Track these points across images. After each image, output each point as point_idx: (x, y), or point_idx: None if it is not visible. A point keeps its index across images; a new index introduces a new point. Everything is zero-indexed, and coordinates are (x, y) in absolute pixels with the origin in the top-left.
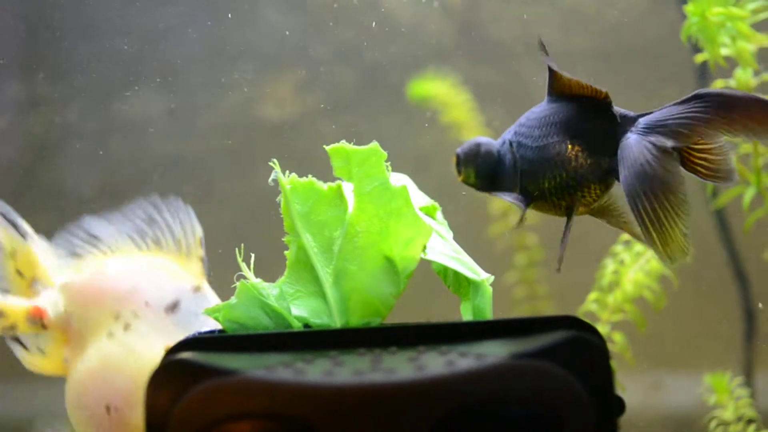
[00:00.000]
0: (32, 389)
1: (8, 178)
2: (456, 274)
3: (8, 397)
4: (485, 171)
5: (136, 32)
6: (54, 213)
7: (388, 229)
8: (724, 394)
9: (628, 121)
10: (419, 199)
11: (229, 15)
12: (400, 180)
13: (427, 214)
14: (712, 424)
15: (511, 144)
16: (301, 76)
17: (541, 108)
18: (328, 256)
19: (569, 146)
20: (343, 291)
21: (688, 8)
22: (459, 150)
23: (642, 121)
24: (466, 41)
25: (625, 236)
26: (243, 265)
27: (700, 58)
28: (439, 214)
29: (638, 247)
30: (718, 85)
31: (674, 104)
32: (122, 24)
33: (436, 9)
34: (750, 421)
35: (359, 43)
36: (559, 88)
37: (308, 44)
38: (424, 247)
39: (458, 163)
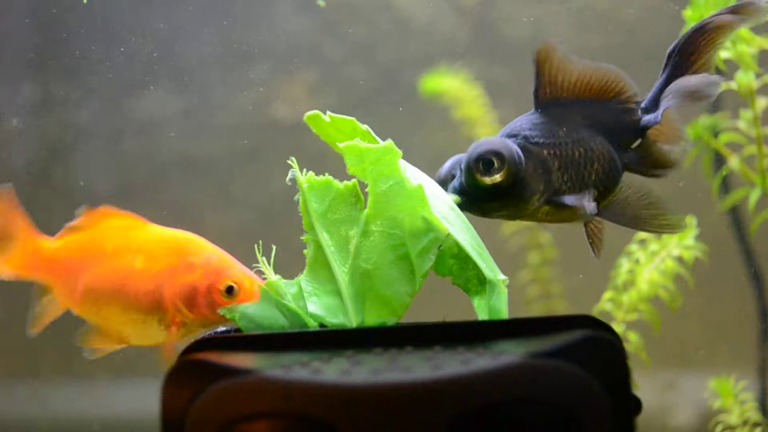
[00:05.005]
0: (45, 388)
1: (23, 177)
2: (463, 267)
3: (19, 396)
4: (522, 171)
5: (151, 33)
6: (68, 213)
7: (404, 228)
8: (729, 398)
9: (635, 112)
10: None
11: (243, 16)
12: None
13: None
14: (718, 428)
15: (532, 144)
16: (316, 75)
17: (541, 113)
18: (344, 254)
19: (600, 142)
20: (359, 290)
21: (686, 13)
22: (499, 148)
23: (646, 102)
24: (480, 40)
25: (641, 235)
26: (263, 261)
27: None
28: None
29: (654, 246)
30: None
31: (661, 76)
32: (137, 25)
33: (449, 8)
34: (756, 425)
35: (373, 43)
36: (564, 91)
37: (322, 44)
38: (440, 248)
39: (493, 164)
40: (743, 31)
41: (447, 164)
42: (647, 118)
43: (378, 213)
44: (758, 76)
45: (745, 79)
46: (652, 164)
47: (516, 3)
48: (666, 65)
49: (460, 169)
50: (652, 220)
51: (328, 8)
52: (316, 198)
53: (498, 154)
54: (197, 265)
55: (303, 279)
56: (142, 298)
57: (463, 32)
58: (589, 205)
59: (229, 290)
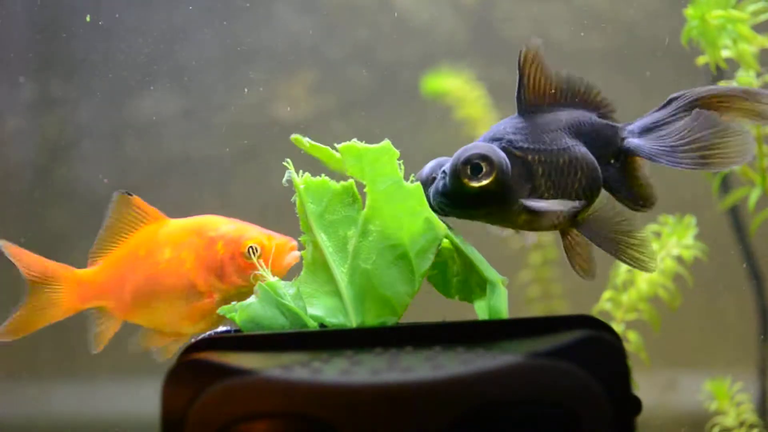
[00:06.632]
0: (45, 388)
1: (23, 177)
2: (465, 280)
3: (19, 396)
4: (508, 177)
5: (151, 33)
6: (67, 212)
7: (402, 227)
8: (724, 400)
9: (618, 130)
10: None
11: (243, 16)
12: None
13: None
14: (715, 430)
15: (516, 149)
16: (315, 76)
17: (525, 118)
18: (342, 255)
19: (583, 152)
20: (358, 290)
21: (688, 12)
22: (488, 153)
23: (635, 127)
24: (480, 40)
25: None
26: (260, 263)
27: (701, 60)
28: None
29: (653, 245)
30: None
31: (656, 110)
32: (137, 25)
33: (449, 8)
34: (752, 426)
35: (373, 43)
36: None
37: (322, 44)
38: (439, 246)
39: (481, 169)
40: (744, 29)
41: (428, 166)
42: (634, 142)
43: (376, 213)
44: (759, 75)
45: (746, 78)
46: (630, 188)
47: (516, 3)
48: (664, 106)
49: (444, 171)
50: (627, 249)
51: (329, 9)
52: (312, 199)
53: (487, 158)
54: (217, 237)
55: (301, 281)
56: (177, 285)
57: (463, 32)
58: (565, 205)
59: (252, 252)
